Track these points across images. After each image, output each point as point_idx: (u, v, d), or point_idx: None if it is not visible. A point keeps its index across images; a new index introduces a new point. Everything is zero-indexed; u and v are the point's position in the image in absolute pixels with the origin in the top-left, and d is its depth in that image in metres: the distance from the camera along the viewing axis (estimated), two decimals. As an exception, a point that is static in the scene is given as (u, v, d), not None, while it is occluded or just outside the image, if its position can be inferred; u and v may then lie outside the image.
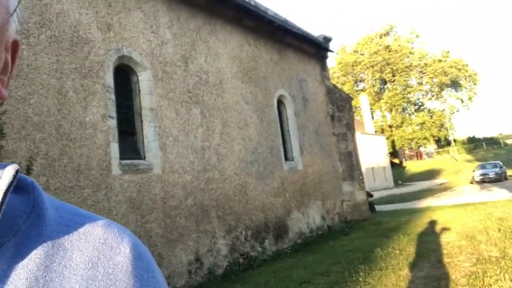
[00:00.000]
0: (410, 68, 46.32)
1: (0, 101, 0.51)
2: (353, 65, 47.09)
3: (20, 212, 0.46)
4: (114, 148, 5.91)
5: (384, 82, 49.02)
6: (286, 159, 10.03)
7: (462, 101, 47.40)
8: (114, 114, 6.05)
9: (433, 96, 48.47)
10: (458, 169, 36.96)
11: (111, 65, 6.17)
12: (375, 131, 41.55)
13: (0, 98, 0.50)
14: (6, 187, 0.44)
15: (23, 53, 4.99)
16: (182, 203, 6.81)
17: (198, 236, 6.96)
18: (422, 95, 49.00)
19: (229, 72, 8.71)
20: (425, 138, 45.17)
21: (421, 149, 51.45)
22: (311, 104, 11.76)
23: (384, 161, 36.13)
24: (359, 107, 41.67)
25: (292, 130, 10.65)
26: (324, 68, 13.16)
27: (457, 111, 47.74)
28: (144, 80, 6.74)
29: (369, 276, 5.69)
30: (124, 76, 6.64)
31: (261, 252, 8.17)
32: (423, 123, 44.92)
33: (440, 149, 52.26)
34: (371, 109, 43.94)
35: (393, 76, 46.80)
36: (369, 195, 14.38)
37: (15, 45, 0.53)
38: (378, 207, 15.88)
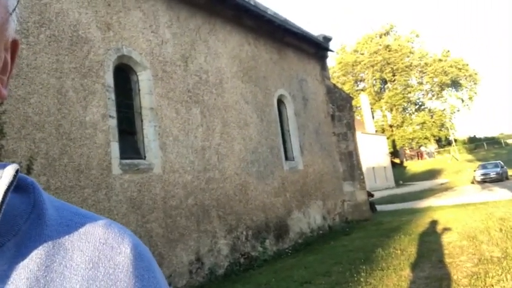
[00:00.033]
0: (411, 67, 46.32)
1: (0, 101, 0.51)
2: (353, 65, 47.09)
3: (20, 212, 0.46)
4: (115, 148, 5.91)
5: (384, 82, 49.02)
6: (286, 158, 10.03)
7: (463, 101, 47.40)
8: (114, 113, 6.05)
9: (433, 95, 48.47)
10: (459, 169, 36.96)
11: (111, 64, 6.17)
12: (376, 131, 41.55)
13: (0, 97, 0.50)
14: (6, 187, 0.44)
15: (23, 53, 5.00)
16: (183, 202, 6.81)
17: (199, 236, 6.96)
18: (423, 94, 49.01)
19: (229, 72, 8.71)
20: (425, 138, 45.16)
21: (422, 148, 51.46)
22: (311, 103, 11.75)
23: (385, 160, 36.14)
24: (359, 106, 41.66)
25: (292, 130, 10.64)
26: (324, 67, 13.16)
27: (458, 110, 47.77)
28: (144, 79, 6.74)
29: (370, 276, 5.68)
30: (124, 75, 6.65)
31: (262, 252, 8.17)
32: (424, 123, 44.91)
33: (441, 149, 52.26)
34: (371, 109, 43.94)
35: (393, 76, 46.79)
36: (370, 195, 14.38)
37: (14, 44, 0.53)
38: (378, 207, 15.88)
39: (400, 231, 9.19)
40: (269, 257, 8.17)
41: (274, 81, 10.25)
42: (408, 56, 46.66)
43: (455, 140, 48.43)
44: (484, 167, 26.44)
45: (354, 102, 18.83)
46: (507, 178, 25.08)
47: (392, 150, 43.88)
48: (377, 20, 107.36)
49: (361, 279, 5.53)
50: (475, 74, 46.33)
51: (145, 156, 6.51)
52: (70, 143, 5.34)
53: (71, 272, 0.43)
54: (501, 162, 26.88)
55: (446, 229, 8.61)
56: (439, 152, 52.00)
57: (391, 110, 47.93)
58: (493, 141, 52.54)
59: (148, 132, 6.62)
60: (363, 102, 40.60)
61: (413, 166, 45.04)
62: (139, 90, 6.73)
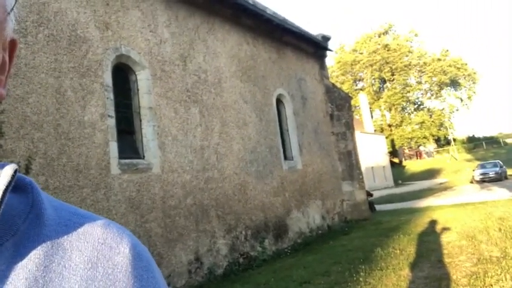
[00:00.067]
0: (410, 67, 46.38)
1: (-2, 100, 0.51)
2: (352, 64, 47.13)
3: (18, 212, 0.46)
4: (113, 147, 5.90)
5: (383, 81, 49.08)
6: (285, 158, 10.03)
7: (461, 100, 47.50)
8: (112, 113, 6.04)
9: (432, 95, 48.55)
10: (458, 168, 37.01)
11: (110, 64, 6.17)
12: (375, 130, 41.61)
13: (-2, 97, 0.50)
14: (4, 187, 0.44)
15: (21, 52, 4.99)
16: (181, 202, 6.80)
17: (198, 236, 6.96)
18: (422, 94, 49.09)
19: (227, 71, 8.70)
20: (424, 138, 45.22)
21: (421, 148, 51.50)
22: (310, 103, 11.75)
23: (384, 160, 36.18)
24: (358, 106, 41.72)
25: (291, 129, 10.65)
26: (322, 67, 13.16)
27: (457, 110, 47.88)
28: (143, 79, 6.74)
29: (369, 276, 5.69)
30: (122, 75, 6.64)
31: (261, 252, 8.17)
32: (423, 122, 44.99)
33: (440, 148, 52.30)
34: (370, 108, 43.98)
35: (392, 75, 46.84)
36: (369, 194, 14.39)
37: (12, 44, 0.53)
38: (377, 207, 15.90)
39: (399, 230, 9.20)
40: (268, 257, 8.17)
41: (273, 80, 10.25)
42: (407, 56, 46.72)
43: (454, 140, 48.50)
44: (483, 166, 26.48)
45: (352, 102, 18.80)
46: (506, 177, 25.12)
47: (391, 149, 43.92)
48: (376, 19, 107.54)
49: (360, 279, 5.53)
50: (474, 73, 46.44)
51: (144, 156, 6.51)
52: (69, 142, 5.33)
53: (69, 272, 0.43)
54: (500, 162, 26.91)
55: (445, 229, 8.62)
56: (438, 152, 52.05)
57: (390, 109, 47.99)
58: (492, 141, 52.59)
59: (147, 131, 6.61)
60: (361, 101, 40.65)
61: (412, 166, 45.09)
62: (138, 89, 6.73)
